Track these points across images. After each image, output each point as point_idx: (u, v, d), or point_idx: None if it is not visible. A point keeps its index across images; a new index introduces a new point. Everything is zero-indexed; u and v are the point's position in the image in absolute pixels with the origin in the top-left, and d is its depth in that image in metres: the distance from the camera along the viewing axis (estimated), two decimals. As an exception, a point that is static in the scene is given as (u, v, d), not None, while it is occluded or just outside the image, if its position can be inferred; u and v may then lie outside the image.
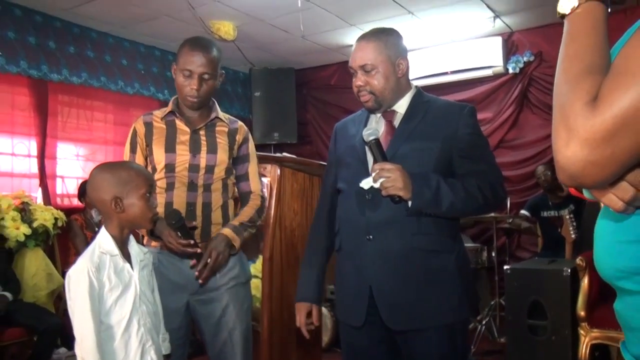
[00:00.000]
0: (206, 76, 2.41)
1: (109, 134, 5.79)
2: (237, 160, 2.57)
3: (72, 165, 5.45)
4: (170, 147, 2.44)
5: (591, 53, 0.92)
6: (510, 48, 6.04)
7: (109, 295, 1.90)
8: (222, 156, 2.48)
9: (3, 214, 4.27)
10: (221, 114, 2.55)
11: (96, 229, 4.95)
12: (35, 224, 4.36)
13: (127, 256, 2.00)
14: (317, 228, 2.33)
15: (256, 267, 3.21)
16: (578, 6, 0.96)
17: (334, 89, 7.13)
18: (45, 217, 4.45)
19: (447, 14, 5.40)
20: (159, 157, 2.42)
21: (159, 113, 2.52)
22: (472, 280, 2.23)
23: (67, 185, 5.37)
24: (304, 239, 3.17)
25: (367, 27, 5.55)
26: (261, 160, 3.06)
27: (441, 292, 2.02)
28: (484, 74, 6.03)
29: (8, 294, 3.93)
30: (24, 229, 4.29)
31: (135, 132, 2.51)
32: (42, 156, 5.07)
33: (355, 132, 2.19)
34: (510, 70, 5.97)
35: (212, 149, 2.47)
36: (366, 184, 2.01)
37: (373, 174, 1.97)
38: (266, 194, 2.88)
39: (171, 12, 5.21)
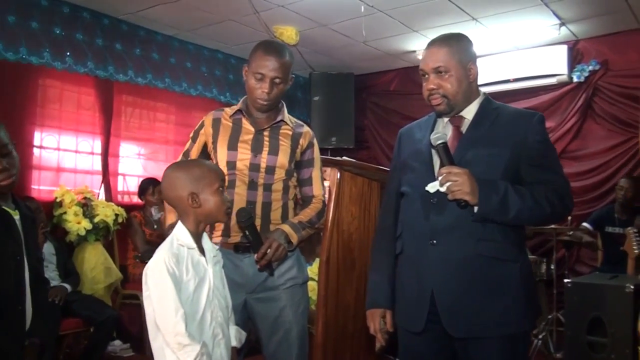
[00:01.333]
0: (277, 80, 2.44)
1: (170, 134, 5.91)
2: (300, 164, 2.58)
3: (134, 163, 5.58)
4: (232, 145, 2.48)
5: None
6: (575, 56, 5.91)
7: (187, 286, 1.96)
8: (283, 159, 2.49)
9: (66, 209, 4.42)
10: (287, 117, 2.57)
11: (155, 226, 5.06)
12: (96, 219, 4.50)
13: (201, 251, 2.06)
14: (383, 232, 2.30)
15: (312, 270, 3.21)
16: None
17: (394, 95, 7.12)
18: (106, 213, 4.58)
19: (512, 21, 5.34)
20: (222, 154, 2.47)
21: (229, 110, 2.57)
22: (535, 292, 2.19)
23: (127, 182, 5.50)
24: (360, 243, 3.18)
25: (430, 34, 5.59)
26: (322, 163, 3.09)
27: (504, 301, 1.99)
28: (548, 82, 5.92)
29: (67, 285, 4.05)
30: (85, 224, 4.43)
31: (202, 124, 2.58)
32: (105, 154, 5.22)
33: (422, 136, 2.19)
34: (575, 79, 5.84)
35: (274, 151, 2.49)
36: (432, 187, 2.01)
37: (440, 178, 1.96)
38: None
39: (236, 16, 5.29)
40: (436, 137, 2.02)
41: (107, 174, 5.22)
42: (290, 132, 2.55)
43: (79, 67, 4.96)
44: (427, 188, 2.02)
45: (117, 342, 4.68)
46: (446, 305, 2.00)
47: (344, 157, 3.22)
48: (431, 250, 2.03)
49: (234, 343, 2.15)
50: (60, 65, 4.81)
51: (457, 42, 2.13)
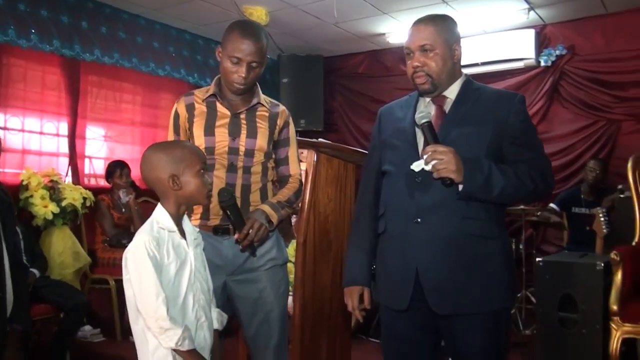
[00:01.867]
0: (254, 64, 2.39)
1: (136, 116, 5.82)
2: (277, 144, 2.57)
3: (100, 145, 5.49)
4: (209, 131, 2.44)
5: None
6: (542, 41, 6.00)
7: (169, 269, 1.94)
8: (261, 142, 2.48)
9: (32, 192, 4.32)
10: (263, 99, 2.54)
11: (123, 210, 5.01)
12: (63, 203, 4.42)
13: (182, 234, 2.05)
14: (363, 210, 2.30)
15: (289, 252, 3.21)
16: None
17: (362, 77, 7.14)
18: (74, 196, 4.49)
19: (482, 5, 5.39)
20: (199, 140, 2.43)
21: (200, 94, 2.52)
22: (514, 269, 2.24)
23: (94, 165, 5.42)
24: (336, 224, 3.20)
25: (400, 16, 5.61)
26: (298, 145, 3.07)
27: (488, 278, 2.02)
28: (516, 66, 6.01)
29: (35, 271, 3.97)
30: (53, 208, 4.35)
31: (177, 114, 2.52)
32: (72, 136, 5.11)
33: (404, 115, 2.20)
34: (542, 63, 5.94)
35: (252, 134, 2.47)
36: (417, 166, 2.01)
37: (425, 156, 1.96)
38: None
39: (205, -5, 5.19)
40: (421, 116, 2.02)
41: (75, 157, 5.12)
42: (267, 114, 2.53)
43: (44, 45, 4.80)
44: (412, 167, 2.03)
45: (87, 328, 4.64)
46: (431, 283, 2.02)
47: (320, 139, 3.22)
48: (416, 229, 2.04)
49: (216, 326, 2.15)
50: (25, 43, 4.66)
51: (443, 22, 2.15)
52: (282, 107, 2.60)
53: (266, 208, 2.42)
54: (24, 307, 2.25)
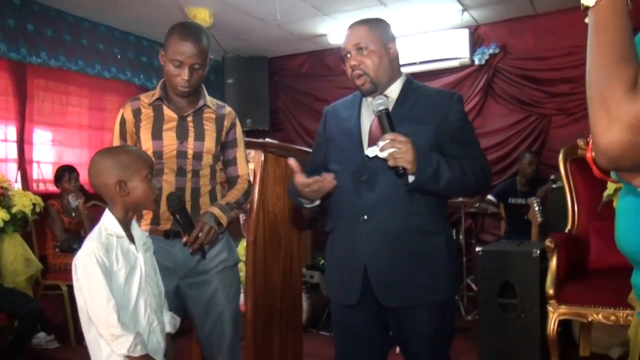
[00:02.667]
0: (197, 66, 2.38)
1: (83, 119, 5.77)
2: (225, 145, 2.57)
3: (48, 150, 5.43)
4: (157, 134, 2.43)
5: (622, 42, 0.95)
6: (476, 40, 6.21)
7: (119, 275, 1.92)
8: (209, 144, 2.48)
9: (-18, 199, 4.27)
10: (209, 100, 2.53)
11: (73, 214, 4.97)
12: (13, 210, 4.32)
13: (130, 239, 2.02)
14: None
15: (239, 251, 3.27)
16: None
17: (305, 77, 7.22)
18: (24, 202, 4.41)
19: (418, 6, 5.54)
20: (147, 144, 2.41)
21: (146, 98, 2.50)
22: (457, 260, 2.32)
23: (42, 170, 5.35)
24: (285, 222, 3.20)
25: (341, 17, 5.75)
26: (246, 145, 3.12)
27: (432, 271, 2.11)
28: (451, 64, 6.19)
29: None
30: (3, 215, 4.24)
31: (123, 120, 2.49)
32: (21, 141, 5.05)
33: (349, 115, 2.25)
34: (476, 62, 6.14)
35: (200, 137, 2.46)
36: (371, 152, 2.05)
37: (382, 143, 1.99)
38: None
39: (148, -4, 5.16)
40: (378, 104, 2.06)
41: (23, 162, 5.06)
42: (214, 116, 2.52)
43: (-9, 50, 4.75)
44: (366, 152, 2.08)
45: (42, 335, 4.61)
46: (378, 278, 2.10)
47: (267, 139, 3.27)
48: (362, 226, 2.11)
49: (168, 329, 2.14)
50: (-29, 47, 4.60)
51: (375, 23, 2.23)
52: (228, 109, 2.60)
53: (215, 210, 2.41)
54: None
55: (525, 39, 6.01)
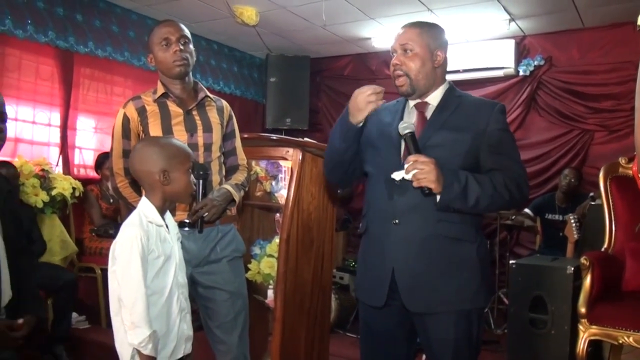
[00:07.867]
0: (185, 40, 2.48)
1: (126, 109, 5.86)
2: (225, 136, 2.67)
3: (90, 137, 5.54)
4: (167, 130, 2.48)
5: None
6: (522, 51, 6.15)
7: (156, 263, 1.97)
8: (217, 135, 2.58)
9: (24, 180, 4.37)
10: (207, 93, 2.63)
11: (111, 200, 5.07)
12: (53, 192, 4.44)
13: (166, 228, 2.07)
14: None
15: (271, 247, 3.29)
16: None
17: (347, 79, 7.22)
18: (64, 186, 4.52)
19: (465, 14, 5.50)
20: None
21: (147, 96, 2.55)
22: (489, 271, 2.29)
23: (84, 156, 5.47)
24: (319, 222, 3.22)
25: (386, 22, 5.74)
26: (284, 144, 3.13)
27: (461, 279, 2.10)
28: (495, 74, 6.13)
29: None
30: (43, 196, 4.36)
31: (127, 119, 2.52)
32: (64, 126, 5.16)
33: (391, 120, 2.24)
34: (521, 73, 6.08)
35: (207, 128, 2.55)
36: (398, 175, 2.07)
37: (406, 165, 2.01)
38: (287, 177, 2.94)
39: (196, -7, 5.24)
40: (404, 127, 2.07)
41: (66, 147, 5.17)
42: (215, 107, 2.62)
43: (39, 36, 4.88)
44: (392, 176, 2.08)
45: (74, 315, 4.64)
46: (405, 282, 2.10)
47: (306, 138, 3.29)
48: (394, 230, 2.11)
49: None
50: (21, 33, 4.73)
51: (428, 27, 2.22)
52: (223, 101, 2.71)
53: (230, 188, 2.53)
54: (30, 295, 2.16)
55: (570, 52, 5.94)
